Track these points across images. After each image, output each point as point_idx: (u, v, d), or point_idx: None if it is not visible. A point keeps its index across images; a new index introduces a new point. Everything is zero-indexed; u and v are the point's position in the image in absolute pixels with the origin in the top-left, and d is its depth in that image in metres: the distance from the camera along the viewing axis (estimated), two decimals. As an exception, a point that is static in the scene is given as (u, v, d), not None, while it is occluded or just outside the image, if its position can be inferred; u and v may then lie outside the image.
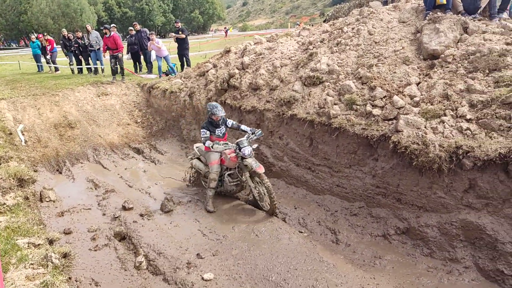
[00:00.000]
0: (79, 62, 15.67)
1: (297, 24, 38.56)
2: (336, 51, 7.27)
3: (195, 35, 63.93)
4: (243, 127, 6.47)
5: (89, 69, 14.99)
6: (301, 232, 5.67)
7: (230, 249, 5.28)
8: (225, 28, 61.27)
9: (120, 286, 4.66)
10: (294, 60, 7.89)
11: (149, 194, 7.28)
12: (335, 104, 6.41)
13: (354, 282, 4.54)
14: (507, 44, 5.47)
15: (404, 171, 5.27)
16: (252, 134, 6.19)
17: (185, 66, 13.22)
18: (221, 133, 6.46)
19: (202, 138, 6.26)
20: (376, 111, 5.77)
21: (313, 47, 7.78)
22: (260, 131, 6.25)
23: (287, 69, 7.78)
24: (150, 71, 14.05)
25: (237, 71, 8.66)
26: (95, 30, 15.65)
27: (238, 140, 6.08)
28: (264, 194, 5.98)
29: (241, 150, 5.93)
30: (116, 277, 4.81)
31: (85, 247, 5.44)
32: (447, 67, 5.67)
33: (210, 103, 6.36)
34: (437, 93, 5.36)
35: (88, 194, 7.38)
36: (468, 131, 4.73)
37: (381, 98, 5.86)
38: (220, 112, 6.17)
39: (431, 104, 5.27)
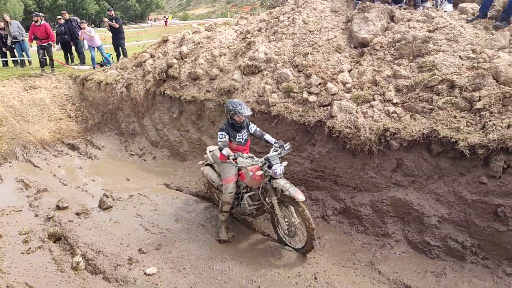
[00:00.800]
0: (3, 55, 14.39)
1: (238, 13, 38.40)
2: (273, 40, 7.36)
3: (132, 24, 61.31)
4: (267, 136, 5.17)
5: (15, 62, 13.85)
6: (247, 226, 5.71)
7: (174, 241, 5.23)
8: (164, 17, 59.23)
9: (57, 288, 4.45)
10: (232, 49, 7.88)
11: (86, 191, 6.95)
12: (273, 92, 6.51)
13: (296, 262, 4.71)
14: (429, 31, 5.85)
15: (339, 154, 5.51)
16: (280, 147, 4.90)
17: (121, 56, 12.67)
18: (242, 139, 5.15)
19: (219, 143, 4.93)
20: (312, 98, 5.95)
21: (251, 36, 7.81)
22: (289, 146, 4.93)
23: (226, 58, 7.76)
24: (82, 62, 13.29)
25: (175, 61, 8.48)
26: (19, 20, 14.43)
27: (269, 155, 4.77)
28: (296, 227, 4.77)
29: (272, 168, 4.62)
30: (52, 279, 4.57)
31: (17, 251, 5.09)
32: (376, 54, 5.98)
33: (231, 100, 5.08)
34: (367, 79, 5.65)
35: (18, 195, 6.87)
36: (395, 114, 5.04)
37: (317, 85, 6.05)
38: (246, 110, 4.90)
39: (362, 90, 5.54)
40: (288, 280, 4.36)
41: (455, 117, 4.61)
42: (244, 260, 4.75)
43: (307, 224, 4.53)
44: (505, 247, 4.19)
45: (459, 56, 5.17)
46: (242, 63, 7.20)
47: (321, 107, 5.83)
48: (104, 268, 4.71)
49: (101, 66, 12.44)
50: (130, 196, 6.59)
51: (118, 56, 13.12)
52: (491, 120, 4.35)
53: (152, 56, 9.59)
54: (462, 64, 5.05)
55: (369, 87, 5.57)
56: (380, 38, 6.12)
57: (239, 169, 5.06)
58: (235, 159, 4.78)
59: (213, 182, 5.60)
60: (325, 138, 5.66)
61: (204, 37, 8.73)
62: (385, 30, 6.33)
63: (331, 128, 5.41)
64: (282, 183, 4.64)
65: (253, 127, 5.25)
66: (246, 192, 5.17)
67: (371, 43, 6.14)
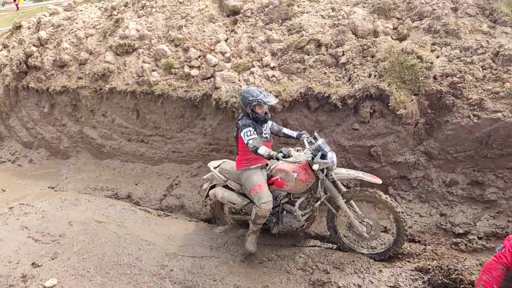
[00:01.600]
0: None
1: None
2: (143, 15, 6.96)
3: (-26, 10, 51.88)
4: (286, 130, 4.35)
5: None
6: (148, 211, 5.54)
7: (71, 246, 4.85)
8: (15, 0, 51.27)
9: None
10: (99, 29, 7.25)
11: (-49, 214, 5.95)
12: (153, 70, 6.26)
13: (206, 237, 4.77)
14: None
15: (229, 124, 5.62)
16: (310, 137, 4.18)
17: (-35, 50, 10.74)
18: (268, 134, 4.18)
19: (250, 142, 3.79)
20: (194, 72, 5.87)
21: (118, 13, 7.27)
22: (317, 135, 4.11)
23: (94, 39, 7.14)
24: None
25: (34, 48, 7.51)
26: None
27: (318, 143, 3.84)
28: (374, 224, 3.89)
29: (328, 156, 3.76)
30: None
31: None
32: (248, 21, 6.09)
33: (247, 89, 4.07)
34: (244, 47, 5.76)
35: None
36: (274, 77, 5.28)
37: (196, 58, 5.97)
38: (272, 98, 3.99)
39: (240, 58, 5.65)
40: (199, 263, 4.43)
41: (325, 73, 5.02)
42: (153, 248, 4.65)
43: (396, 212, 3.76)
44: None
45: (321, 15, 5.56)
46: (113, 43, 6.71)
47: (205, 80, 5.80)
48: (-6, 294, 4.20)
49: None
50: (10, 208, 5.84)
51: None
52: (355, 72, 4.84)
53: (5, 46, 8.36)
54: (325, 23, 5.45)
55: (247, 54, 5.69)
56: (249, 5, 6.23)
57: (271, 176, 4.14)
58: (286, 156, 3.72)
59: (235, 204, 4.34)
60: (214, 111, 5.70)
61: (64, 19, 7.85)
62: (253, -4, 6.46)
63: (217, 100, 5.45)
64: (345, 171, 3.93)
65: (269, 121, 4.27)
66: (288, 202, 4.18)
67: (242, 10, 6.22)
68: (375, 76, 4.69)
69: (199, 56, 5.99)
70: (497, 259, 2.27)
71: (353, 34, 5.22)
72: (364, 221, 3.92)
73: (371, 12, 5.44)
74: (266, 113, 4.05)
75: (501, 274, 2.24)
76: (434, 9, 5.10)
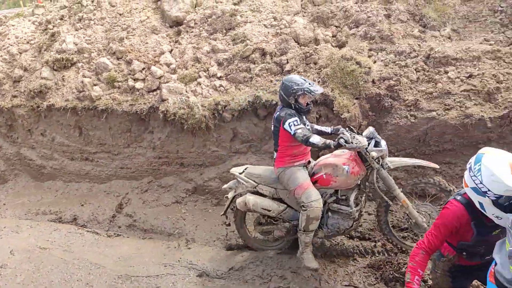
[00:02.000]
0: None
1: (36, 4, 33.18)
2: (81, 28, 6.69)
3: None
4: (317, 126, 4.01)
5: None
6: (96, 232, 5.28)
7: (14, 277, 4.48)
8: None
9: None
10: (34, 44, 6.86)
11: None
12: (95, 85, 6.03)
13: (159, 254, 4.64)
14: (235, 4, 6.18)
15: (179, 136, 5.54)
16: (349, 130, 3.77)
17: None
18: (309, 127, 3.84)
19: (299, 131, 3.42)
20: (138, 85, 5.74)
21: (54, 26, 6.91)
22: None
23: (29, 55, 6.74)
24: None
25: (-40, 67, 6.94)
26: None
27: (369, 130, 3.65)
28: (434, 214, 3.67)
29: (381, 144, 3.56)
30: None
31: None
32: (192, 31, 6.05)
33: (289, 77, 3.68)
34: (189, 58, 5.71)
35: None
36: (222, 87, 5.29)
37: (140, 71, 5.85)
38: (318, 87, 3.66)
39: (186, 69, 5.61)
40: (154, 282, 4.29)
41: (271, 81, 5.11)
42: (105, 271, 4.42)
43: None
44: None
45: (264, 25, 5.67)
46: (50, 58, 6.39)
47: (150, 93, 5.70)
48: None
49: None
50: None
51: None
52: (300, 79, 4.96)
53: None
54: (268, 32, 5.56)
55: (193, 65, 5.66)
56: (192, 15, 6.19)
57: (313, 174, 3.76)
58: (348, 141, 3.34)
59: (270, 211, 3.90)
60: (162, 123, 5.61)
61: (-7, 34, 7.35)
62: (195, 7, 6.43)
63: (165, 112, 5.38)
64: (398, 160, 3.75)
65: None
66: (336, 201, 3.79)
67: (185, 21, 6.17)
68: (319, 82, 4.85)
69: (143, 69, 5.87)
70: (417, 246, 2.44)
71: (296, 42, 5.37)
72: (422, 211, 3.71)
73: (311, 20, 5.64)
74: (308, 104, 3.67)
75: (423, 258, 2.40)
76: (369, 17, 5.38)
